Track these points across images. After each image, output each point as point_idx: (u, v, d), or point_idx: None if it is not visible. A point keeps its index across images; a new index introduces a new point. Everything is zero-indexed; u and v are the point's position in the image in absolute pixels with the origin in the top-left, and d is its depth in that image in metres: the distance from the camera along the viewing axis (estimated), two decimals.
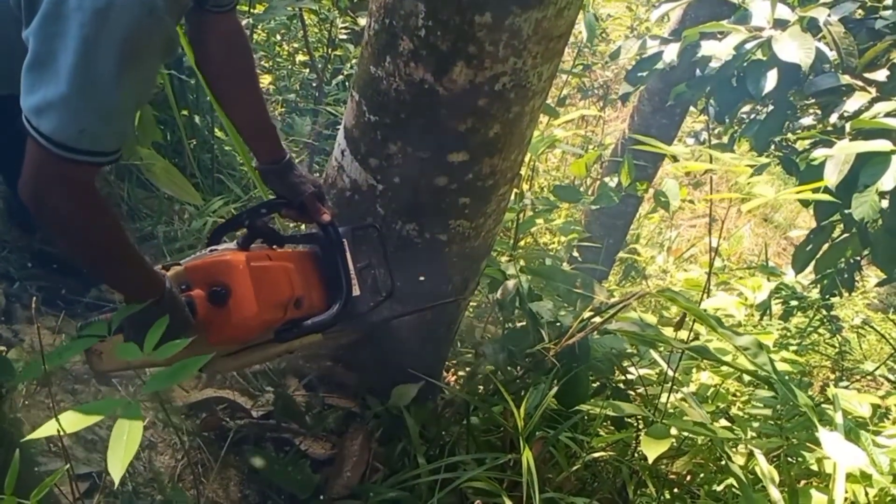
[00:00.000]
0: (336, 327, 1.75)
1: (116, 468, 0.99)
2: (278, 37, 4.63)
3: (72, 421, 1.03)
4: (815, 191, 2.11)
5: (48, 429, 1.02)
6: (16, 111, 1.47)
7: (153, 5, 1.20)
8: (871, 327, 4.65)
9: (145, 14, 1.19)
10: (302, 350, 1.85)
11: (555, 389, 1.87)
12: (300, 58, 4.53)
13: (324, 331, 1.74)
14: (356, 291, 1.77)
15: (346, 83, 4.22)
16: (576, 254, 3.88)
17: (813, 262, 3.11)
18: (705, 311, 2.12)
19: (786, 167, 3.33)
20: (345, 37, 4.21)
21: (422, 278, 1.96)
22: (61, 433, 1.07)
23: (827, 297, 3.68)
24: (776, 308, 3.82)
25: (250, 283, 1.52)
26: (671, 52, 3.16)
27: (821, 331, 4.09)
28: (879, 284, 4.32)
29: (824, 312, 3.97)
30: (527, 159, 2.43)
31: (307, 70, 4.42)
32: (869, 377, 3.97)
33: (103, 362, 1.44)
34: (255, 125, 1.79)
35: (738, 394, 3.11)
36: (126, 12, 1.17)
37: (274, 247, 1.75)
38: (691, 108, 4.69)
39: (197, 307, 1.47)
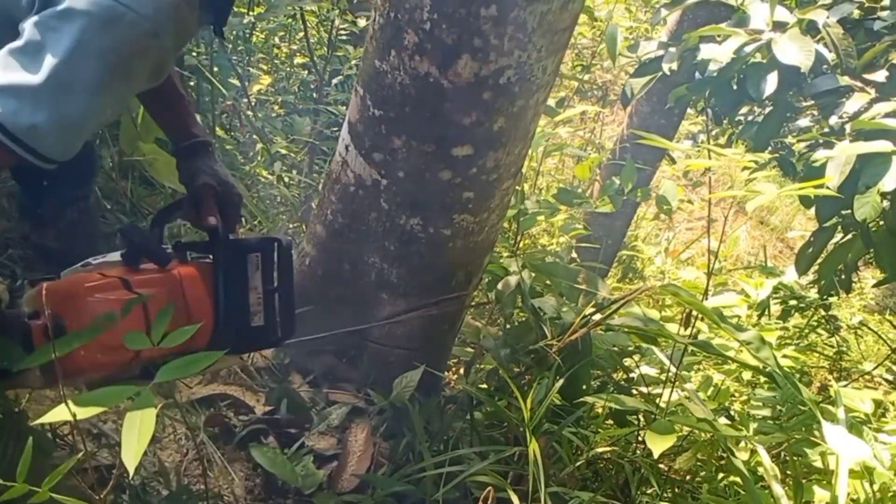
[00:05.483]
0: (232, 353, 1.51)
1: (130, 458, 0.98)
2: (277, 39, 4.64)
3: (84, 406, 1.03)
4: (818, 188, 2.12)
5: (59, 413, 1.02)
6: None
7: (158, 28, 1.21)
8: (868, 328, 4.67)
9: (150, 35, 1.20)
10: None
11: (560, 383, 1.87)
12: (298, 59, 4.54)
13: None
14: (258, 321, 1.50)
15: (346, 84, 4.23)
16: (574, 255, 3.89)
17: (816, 264, 3.12)
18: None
19: (783, 168, 3.34)
20: (344, 37, 4.23)
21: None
22: (71, 421, 1.06)
23: (825, 297, 3.69)
24: (774, 308, 3.83)
25: (86, 320, 1.27)
26: (671, 56, 3.17)
27: (819, 331, 4.10)
28: (877, 285, 4.34)
29: (822, 313, 3.98)
30: (529, 160, 2.44)
31: (306, 72, 4.43)
32: (867, 377, 3.99)
33: None
34: (160, 98, 1.58)
35: (737, 393, 3.12)
36: (131, 29, 1.17)
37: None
38: (689, 111, 4.70)
39: (33, 338, 1.27)
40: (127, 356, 1.32)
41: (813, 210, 2.80)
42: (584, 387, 2.09)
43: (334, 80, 4.23)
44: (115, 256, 1.42)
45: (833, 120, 2.80)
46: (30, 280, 1.38)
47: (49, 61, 1.13)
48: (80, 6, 1.15)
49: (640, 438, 2.08)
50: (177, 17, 1.25)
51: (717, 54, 2.94)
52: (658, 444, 1.76)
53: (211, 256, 1.48)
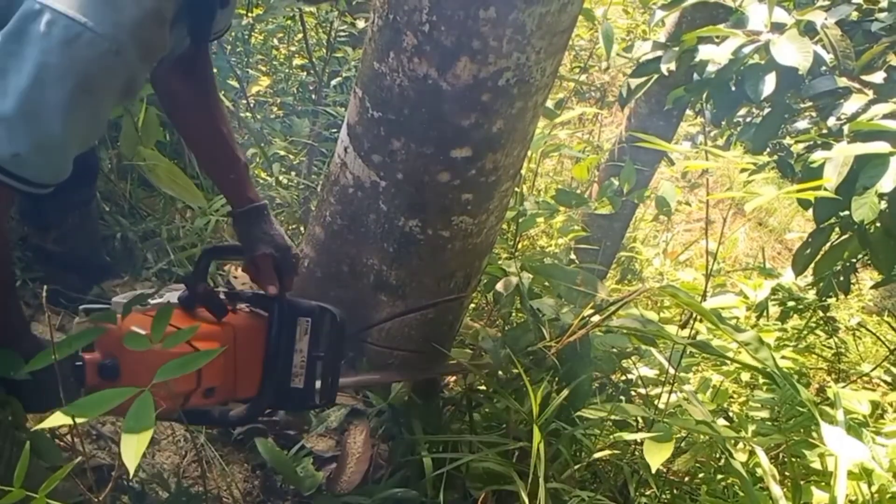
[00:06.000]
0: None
1: (130, 458, 0.97)
2: (275, 40, 4.65)
3: (83, 410, 1.03)
4: (816, 190, 2.12)
5: (59, 418, 1.02)
6: None
7: (120, 46, 1.18)
8: (867, 329, 4.67)
9: (111, 53, 1.17)
10: None
11: (566, 391, 1.87)
12: (297, 61, 4.54)
13: (235, 427, 1.66)
14: (297, 383, 1.56)
15: (345, 86, 4.23)
16: (573, 256, 3.89)
17: (812, 264, 3.12)
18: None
19: (782, 170, 3.34)
20: (343, 39, 4.23)
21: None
22: (70, 425, 1.06)
23: (824, 298, 3.70)
24: (773, 310, 3.83)
25: (141, 367, 1.25)
26: (670, 57, 3.17)
27: (817, 332, 4.10)
28: (876, 286, 4.34)
29: (821, 314, 3.99)
30: (528, 161, 2.44)
31: (305, 73, 4.43)
32: (865, 378, 3.99)
33: None
34: (218, 162, 1.67)
35: (735, 395, 3.12)
36: (91, 48, 1.15)
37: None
38: (687, 112, 4.70)
39: (86, 374, 1.28)
40: (175, 404, 1.33)
41: (811, 211, 2.80)
42: (583, 389, 2.09)
43: (333, 82, 4.23)
44: (173, 297, 1.47)
45: (831, 121, 2.80)
46: (84, 308, 1.41)
47: (14, 89, 1.12)
48: (36, 28, 1.13)
49: (639, 441, 2.08)
50: (140, 34, 1.21)
51: (715, 55, 2.93)
52: (656, 456, 1.75)
53: (261, 309, 1.56)
